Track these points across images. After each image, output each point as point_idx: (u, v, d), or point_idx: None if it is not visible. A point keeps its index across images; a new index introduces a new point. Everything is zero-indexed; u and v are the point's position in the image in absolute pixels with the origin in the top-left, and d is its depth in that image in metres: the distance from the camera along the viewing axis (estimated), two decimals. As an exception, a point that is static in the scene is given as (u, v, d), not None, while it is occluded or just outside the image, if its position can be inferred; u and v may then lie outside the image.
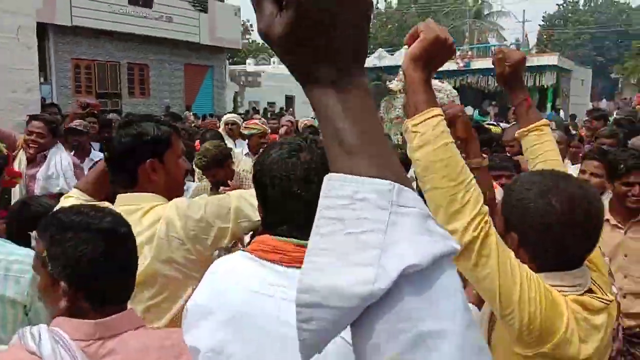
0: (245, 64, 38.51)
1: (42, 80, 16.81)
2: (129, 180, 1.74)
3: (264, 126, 5.43)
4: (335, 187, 0.51)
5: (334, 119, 0.53)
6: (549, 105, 27.78)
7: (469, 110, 28.15)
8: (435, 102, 1.26)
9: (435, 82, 8.85)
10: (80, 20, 16.84)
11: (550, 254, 1.29)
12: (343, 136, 0.52)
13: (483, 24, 38.62)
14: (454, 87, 29.23)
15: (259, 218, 1.63)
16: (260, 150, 5.40)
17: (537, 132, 1.77)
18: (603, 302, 1.30)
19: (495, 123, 7.71)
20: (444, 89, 8.67)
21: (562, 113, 22.67)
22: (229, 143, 6.44)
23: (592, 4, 45.03)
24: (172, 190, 1.81)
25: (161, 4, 19.17)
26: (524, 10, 30.94)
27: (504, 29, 39.84)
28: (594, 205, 1.29)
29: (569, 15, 45.98)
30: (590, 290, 1.31)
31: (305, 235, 1.23)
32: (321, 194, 0.52)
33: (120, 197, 1.74)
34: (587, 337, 1.22)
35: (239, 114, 21.63)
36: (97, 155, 4.52)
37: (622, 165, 2.78)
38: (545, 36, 44.26)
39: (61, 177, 4.00)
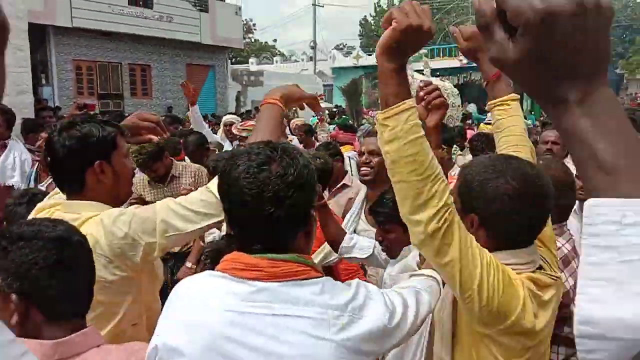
0: (248, 63, 38.53)
1: (43, 82, 16.87)
2: (76, 184, 1.66)
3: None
4: (601, 214, 0.48)
5: (587, 140, 0.50)
6: (553, 101, 27.65)
7: (472, 107, 28.11)
8: (408, 93, 1.24)
9: (436, 81, 8.79)
10: (81, 22, 16.82)
11: (508, 232, 1.36)
12: (602, 157, 0.49)
13: (486, 20, 38.47)
14: (457, 85, 29.38)
15: (191, 229, 1.56)
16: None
17: (504, 107, 1.75)
18: (552, 278, 1.39)
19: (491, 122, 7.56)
20: (444, 87, 8.58)
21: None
22: (227, 145, 6.38)
23: (596, -1, 44.67)
24: (120, 192, 1.76)
25: (161, 4, 19.13)
26: (527, 6, 30.73)
27: (508, 25, 39.63)
28: (545, 182, 1.36)
29: (573, 10, 45.66)
30: (540, 267, 1.40)
31: (281, 250, 1.18)
32: (584, 220, 0.49)
33: (64, 204, 1.66)
34: (538, 311, 1.31)
35: (242, 114, 21.70)
36: None
37: None
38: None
39: (17, 170, 3.98)
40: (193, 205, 1.58)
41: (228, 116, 7.40)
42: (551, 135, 4.05)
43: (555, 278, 1.40)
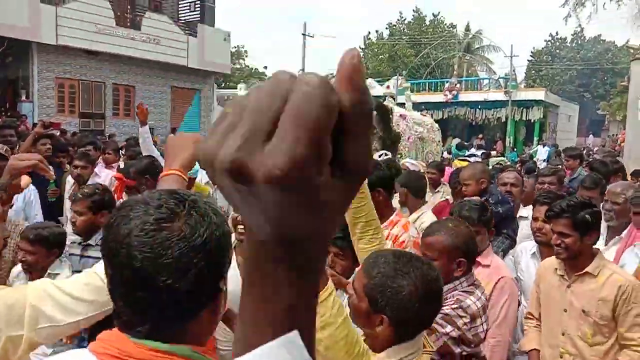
0: (236, 88, 38.65)
1: (23, 97, 16.66)
2: None
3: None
4: None
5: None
6: (535, 139, 28.06)
7: (456, 141, 28.30)
8: (325, 274, 1.28)
9: (416, 115, 8.79)
10: (66, 39, 16.72)
11: (412, 327, 1.48)
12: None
13: (473, 57, 39.16)
14: (442, 119, 29.61)
15: (71, 321, 1.24)
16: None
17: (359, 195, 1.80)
18: (430, 354, 1.61)
19: (467, 159, 7.54)
20: (424, 122, 8.56)
21: (546, 147, 22.74)
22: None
23: (578, 42, 45.87)
24: None
25: (149, 27, 19.15)
26: (512, 45, 31.37)
27: (493, 63, 40.39)
28: (438, 281, 1.54)
29: (557, 51, 46.83)
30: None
31: (173, 335, 0.89)
32: None
33: None
34: None
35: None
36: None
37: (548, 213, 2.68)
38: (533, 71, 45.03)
39: None
40: (75, 290, 1.26)
41: None
42: (510, 178, 4.10)
43: (431, 352, 1.62)
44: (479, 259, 2.61)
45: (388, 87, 11.41)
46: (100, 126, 18.81)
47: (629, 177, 6.78)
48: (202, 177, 5.26)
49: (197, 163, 4.83)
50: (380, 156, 6.96)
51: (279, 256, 0.37)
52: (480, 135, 28.30)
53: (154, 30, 19.25)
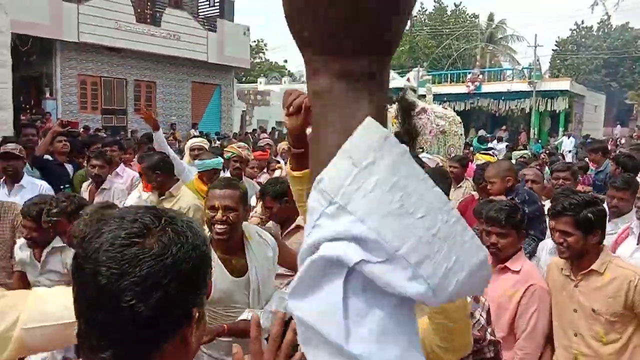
0: (256, 82, 38.69)
1: (47, 95, 16.90)
2: None
3: (239, 150, 5.11)
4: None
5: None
6: (560, 130, 27.46)
7: (481, 132, 27.90)
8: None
9: (438, 109, 8.61)
10: (88, 37, 16.91)
11: None
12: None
13: (496, 47, 38.48)
14: (464, 111, 29.24)
15: (62, 321, 1.16)
16: (240, 175, 5.13)
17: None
18: None
19: (491, 152, 7.35)
20: (447, 115, 8.37)
21: (571, 139, 22.19)
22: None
23: (605, 30, 44.69)
24: None
25: (169, 22, 19.25)
26: (535, 35, 30.63)
27: (517, 52, 39.62)
28: None
29: (582, 40, 45.71)
30: None
31: None
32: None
33: None
34: None
35: (247, 133, 21.67)
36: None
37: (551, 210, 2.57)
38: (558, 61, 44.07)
39: None
40: (67, 299, 1.18)
41: (193, 140, 6.49)
42: (530, 174, 3.97)
43: None
44: (507, 264, 2.55)
45: (408, 79, 11.21)
46: (122, 122, 19.02)
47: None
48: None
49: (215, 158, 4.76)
50: None
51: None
52: (504, 127, 27.82)
53: (174, 26, 19.34)
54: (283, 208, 3.41)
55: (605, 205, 3.01)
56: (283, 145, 7.90)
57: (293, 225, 3.43)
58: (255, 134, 22.01)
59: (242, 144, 5.75)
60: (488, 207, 2.62)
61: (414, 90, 9.03)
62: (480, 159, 6.96)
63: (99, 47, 17.56)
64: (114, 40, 17.65)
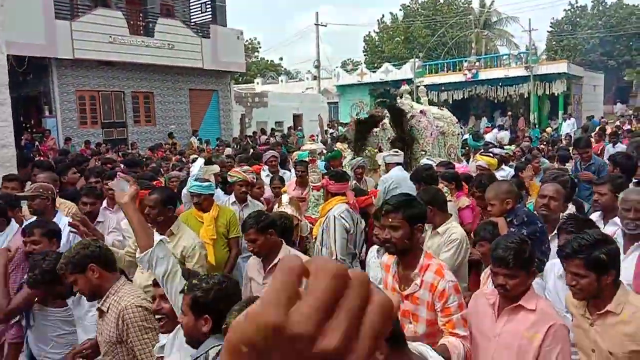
0: (253, 82, 38.67)
1: (47, 113, 16.98)
2: None
3: (244, 175, 5.16)
4: None
5: None
6: (560, 113, 27.40)
7: (484, 122, 27.88)
8: None
9: (435, 110, 8.61)
10: (82, 52, 16.94)
11: None
12: None
13: (491, 32, 38.26)
14: (462, 99, 29.19)
15: None
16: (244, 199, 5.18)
17: None
18: None
19: (491, 153, 7.36)
20: (443, 116, 8.39)
21: (572, 120, 22.15)
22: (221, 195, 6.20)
23: (600, 8, 44.37)
24: None
25: (163, 32, 19.25)
26: (529, 19, 30.54)
27: (513, 36, 39.35)
28: None
29: (577, 20, 45.39)
30: None
31: None
32: None
33: None
34: None
35: (247, 136, 21.70)
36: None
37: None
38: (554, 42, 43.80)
39: None
40: None
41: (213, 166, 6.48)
42: (550, 190, 3.86)
43: None
44: (522, 302, 2.46)
45: (404, 83, 11.20)
46: (122, 135, 19.09)
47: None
48: (228, 200, 5.28)
49: (209, 180, 4.83)
50: (389, 153, 6.89)
51: None
52: (510, 113, 27.71)
53: (167, 36, 19.35)
54: (267, 241, 3.33)
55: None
56: (296, 155, 7.96)
57: (276, 260, 3.34)
58: (256, 137, 22.06)
59: (247, 167, 5.77)
60: (495, 245, 2.53)
61: (411, 93, 9.00)
62: (480, 159, 6.97)
63: (94, 62, 17.61)
64: (109, 54, 17.70)
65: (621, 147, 9.41)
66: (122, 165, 8.60)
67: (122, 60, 18.20)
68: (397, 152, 6.80)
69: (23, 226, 3.80)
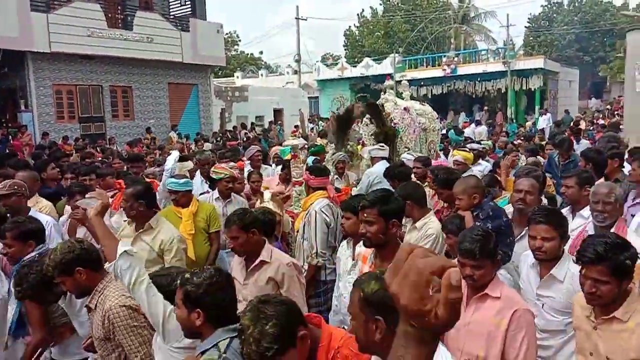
0: (233, 76, 38.43)
1: (23, 107, 16.69)
2: None
3: (231, 170, 5.21)
4: None
5: None
6: (536, 108, 27.88)
7: (462, 117, 28.19)
8: None
9: (417, 106, 8.72)
10: (59, 46, 16.69)
11: None
12: None
13: (469, 28, 38.64)
14: (441, 94, 29.48)
15: None
16: (229, 195, 5.24)
17: None
18: None
19: (467, 149, 7.52)
20: (425, 111, 8.51)
21: (548, 116, 22.61)
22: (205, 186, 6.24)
23: (575, 4, 45.05)
24: None
25: (141, 25, 19.05)
26: (507, 15, 30.92)
27: (491, 31, 39.79)
28: None
29: (554, 15, 46.05)
30: None
31: None
32: None
33: None
34: None
35: (227, 130, 21.62)
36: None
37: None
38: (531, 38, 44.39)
39: None
40: None
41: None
42: (526, 184, 3.93)
43: None
44: (487, 290, 2.54)
45: (389, 78, 11.31)
46: (100, 129, 18.87)
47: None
48: (212, 196, 5.33)
49: (187, 177, 4.87)
50: (375, 147, 6.99)
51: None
52: (486, 108, 28.12)
53: (146, 29, 19.15)
54: (250, 240, 3.25)
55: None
56: (277, 150, 8.00)
57: (257, 261, 3.28)
58: (236, 131, 21.97)
59: (232, 163, 5.81)
60: (462, 237, 2.63)
61: (393, 89, 9.10)
62: (456, 154, 7.12)
63: (71, 55, 17.34)
64: (87, 48, 17.44)
65: (584, 143, 9.55)
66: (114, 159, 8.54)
67: (100, 54, 17.96)
68: (382, 146, 6.90)
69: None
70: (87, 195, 2.93)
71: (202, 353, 2.15)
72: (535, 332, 2.50)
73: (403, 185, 4.30)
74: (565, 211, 4.15)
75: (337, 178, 6.56)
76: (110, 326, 2.69)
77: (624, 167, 5.29)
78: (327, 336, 2.05)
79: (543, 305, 2.98)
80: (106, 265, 2.61)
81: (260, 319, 1.87)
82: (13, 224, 3.49)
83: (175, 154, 6.05)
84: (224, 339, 2.14)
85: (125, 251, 2.44)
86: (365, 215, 2.78)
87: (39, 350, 3.20)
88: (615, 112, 24.46)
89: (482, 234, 2.60)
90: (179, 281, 2.27)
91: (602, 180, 4.62)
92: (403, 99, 8.85)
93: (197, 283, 2.19)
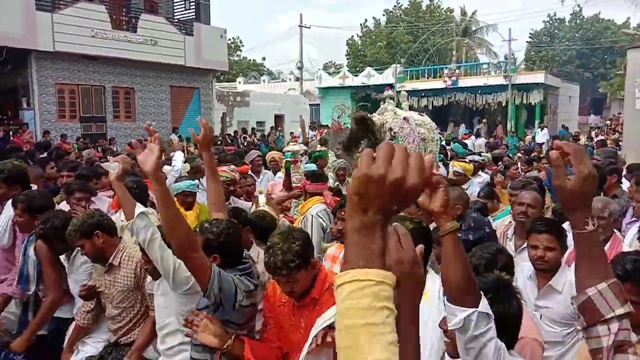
0: (235, 81, 38.56)
1: (25, 105, 16.72)
2: None
3: (232, 174, 5.23)
4: None
5: None
6: (536, 122, 28.01)
7: (462, 128, 28.22)
8: (373, 258, 0.87)
9: (417, 117, 8.76)
10: (63, 45, 16.75)
11: None
12: None
13: (471, 41, 38.86)
14: (442, 105, 29.59)
15: None
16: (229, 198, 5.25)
17: None
18: None
19: (467, 160, 7.57)
20: (424, 122, 8.53)
21: (545, 131, 22.79)
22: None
23: (577, 21, 45.40)
24: None
25: (146, 28, 19.14)
26: (509, 29, 31.17)
27: (493, 45, 40.03)
28: None
29: (556, 31, 46.36)
30: None
31: None
32: None
33: None
34: None
35: (228, 135, 21.66)
36: None
37: None
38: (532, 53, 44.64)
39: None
40: None
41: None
42: (527, 197, 3.91)
43: None
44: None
45: (389, 88, 11.37)
46: (101, 130, 18.90)
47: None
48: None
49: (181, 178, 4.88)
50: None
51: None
52: (484, 120, 28.28)
53: (150, 32, 19.24)
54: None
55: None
56: (274, 155, 8.01)
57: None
58: (237, 136, 22.03)
59: (232, 166, 5.82)
60: (471, 254, 2.57)
61: (393, 99, 9.14)
62: (456, 165, 7.16)
63: (75, 55, 17.40)
64: (91, 48, 17.51)
65: None
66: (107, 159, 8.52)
67: (104, 55, 18.03)
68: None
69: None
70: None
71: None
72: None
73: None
74: (566, 225, 4.17)
75: (337, 185, 6.59)
76: (142, 274, 3.17)
77: (622, 182, 5.33)
78: (325, 273, 2.57)
79: (541, 316, 2.97)
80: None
81: (289, 239, 2.37)
82: (25, 196, 3.80)
83: (180, 155, 6.08)
84: (235, 275, 2.54)
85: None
86: (342, 214, 2.92)
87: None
88: (615, 129, 24.61)
89: (491, 252, 2.61)
90: (198, 229, 2.61)
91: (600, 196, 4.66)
92: (402, 109, 8.88)
93: (217, 232, 2.56)
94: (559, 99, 31.78)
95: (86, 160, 9.70)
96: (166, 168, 6.61)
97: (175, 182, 5.07)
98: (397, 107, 8.81)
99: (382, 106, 8.67)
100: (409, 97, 21.71)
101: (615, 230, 3.38)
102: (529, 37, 47.35)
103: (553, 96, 30.52)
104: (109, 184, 5.39)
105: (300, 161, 6.33)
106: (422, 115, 8.82)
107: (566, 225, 4.13)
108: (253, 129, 24.18)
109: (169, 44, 19.97)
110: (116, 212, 4.64)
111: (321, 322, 2.06)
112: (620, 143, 14.89)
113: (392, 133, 8.02)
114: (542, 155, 10.90)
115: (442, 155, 10.65)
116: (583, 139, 18.71)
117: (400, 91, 9.55)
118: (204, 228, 2.59)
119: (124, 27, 18.91)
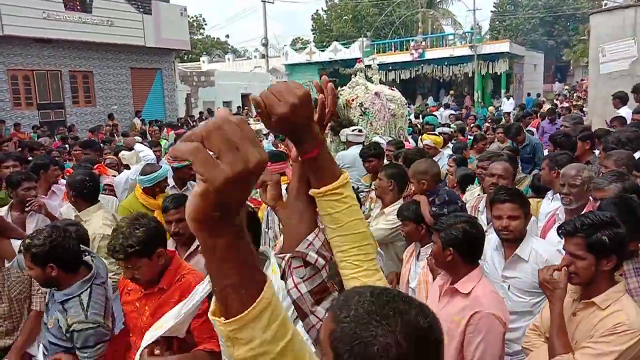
0: (199, 61, 37.64)
1: (-24, 94, 15.92)
2: None
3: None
4: None
5: None
6: (502, 91, 28.23)
7: (430, 100, 28.24)
8: (262, 275, 0.83)
9: (387, 91, 8.58)
10: (13, 29, 15.90)
11: None
12: None
13: (436, 12, 38.69)
14: (409, 78, 29.45)
15: None
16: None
17: (334, 197, 1.28)
18: None
19: (437, 133, 7.49)
20: (394, 98, 8.36)
21: (511, 100, 23.00)
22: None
23: (540, -11, 45.69)
24: None
25: (101, 8, 18.32)
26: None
27: (457, 16, 40.03)
28: (438, 335, 0.97)
29: (519, 0, 46.58)
30: None
31: None
32: None
33: None
34: None
35: (192, 116, 21.15)
36: None
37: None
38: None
39: None
40: None
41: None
42: (498, 168, 3.88)
43: None
44: (457, 285, 2.43)
45: (360, 61, 11.16)
46: (60, 116, 18.19)
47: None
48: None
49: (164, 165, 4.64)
50: (353, 131, 6.85)
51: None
52: (452, 92, 28.35)
53: (106, 12, 18.44)
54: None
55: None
56: None
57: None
58: (202, 117, 21.52)
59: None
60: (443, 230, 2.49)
61: (362, 71, 8.92)
62: (426, 138, 7.06)
63: (27, 39, 16.56)
64: (43, 31, 16.68)
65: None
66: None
67: (58, 38, 17.22)
68: (360, 131, 6.78)
69: None
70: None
71: (63, 303, 2.51)
72: (498, 339, 2.29)
73: (393, 166, 4.23)
74: (549, 194, 4.12)
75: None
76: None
77: (595, 149, 5.29)
78: (177, 264, 2.60)
79: (509, 286, 2.94)
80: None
81: (134, 224, 2.42)
82: None
83: (141, 146, 5.81)
84: (84, 290, 2.54)
85: None
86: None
87: None
88: (578, 95, 24.97)
89: (463, 231, 2.48)
90: (22, 248, 2.55)
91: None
92: (373, 82, 8.70)
93: (39, 244, 2.48)
94: (524, 68, 32.04)
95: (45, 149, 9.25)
96: (125, 154, 6.30)
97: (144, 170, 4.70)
98: (367, 80, 8.62)
99: (352, 79, 8.49)
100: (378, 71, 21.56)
101: (590, 197, 3.30)
102: (493, 6, 47.46)
103: (518, 65, 30.74)
104: (55, 175, 5.14)
105: (262, 142, 6.09)
106: (392, 89, 8.66)
107: (549, 194, 4.09)
108: (219, 109, 23.66)
109: (126, 23, 19.22)
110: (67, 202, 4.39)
111: (152, 333, 2.10)
112: (584, 109, 15.06)
113: (362, 109, 7.85)
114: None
115: (411, 129, 10.55)
116: (546, 107, 18.90)
117: (370, 65, 9.32)
118: (26, 245, 2.52)
119: (78, 7, 18.05)
